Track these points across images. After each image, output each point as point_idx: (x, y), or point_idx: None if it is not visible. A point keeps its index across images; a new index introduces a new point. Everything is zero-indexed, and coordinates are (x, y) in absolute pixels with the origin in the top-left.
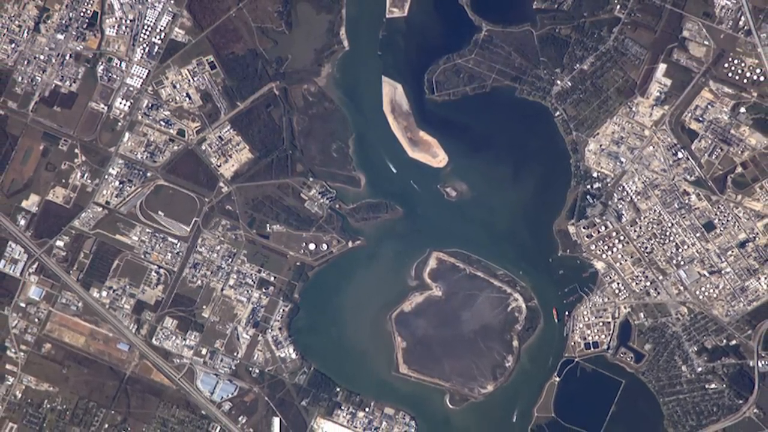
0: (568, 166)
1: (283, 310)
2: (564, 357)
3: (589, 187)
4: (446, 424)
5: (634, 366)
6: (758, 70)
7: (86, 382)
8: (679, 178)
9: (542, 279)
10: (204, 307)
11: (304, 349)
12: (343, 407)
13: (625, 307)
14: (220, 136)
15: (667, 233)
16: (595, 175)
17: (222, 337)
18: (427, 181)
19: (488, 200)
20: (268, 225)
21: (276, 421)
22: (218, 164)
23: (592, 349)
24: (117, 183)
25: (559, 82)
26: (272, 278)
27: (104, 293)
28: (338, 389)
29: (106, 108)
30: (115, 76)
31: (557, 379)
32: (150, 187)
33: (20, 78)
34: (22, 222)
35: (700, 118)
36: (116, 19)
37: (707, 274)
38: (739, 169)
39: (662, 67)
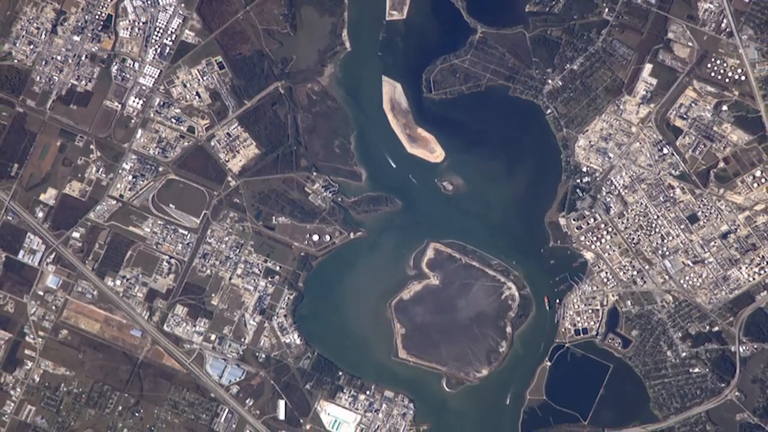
0: (558, 161)
1: (288, 298)
2: (555, 343)
3: (578, 181)
4: (443, 407)
5: (622, 351)
6: (739, 70)
7: (101, 367)
8: (665, 173)
9: (534, 268)
10: (213, 295)
11: (308, 335)
12: (345, 390)
13: (613, 295)
14: (228, 133)
15: (653, 225)
16: (584, 169)
17: (230, 324)
18: (425, 176)
19: (483, 194)
20: (273, 217)
21: (281, 403)
22: (226, 159)
23: (581, 335)
24: (130, 177)
25: (550, 81)
26: (278, 268)
27: (118, 282)
28: (340, 373)
29: (120, 106)
30: (128, 76)
31: (548, 363)
32: (162, 181)
33: (38, 77)
34: (40, 214)
35: (684, 116)
36: (129, 21)
37: (691, 264)
38: (722, 164)
39: (648, 67)
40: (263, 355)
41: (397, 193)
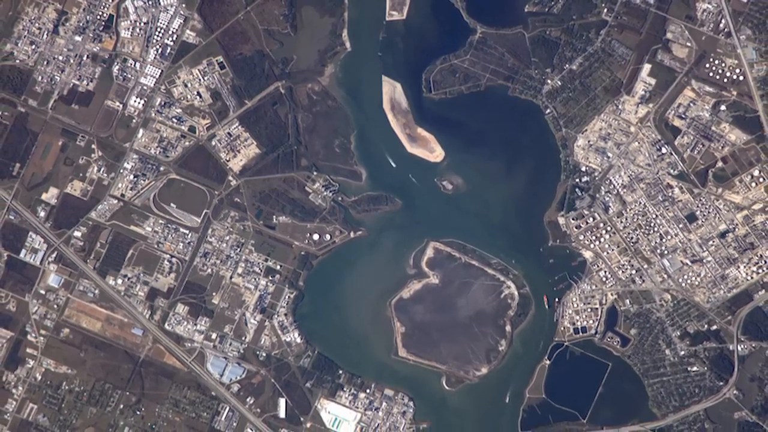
0: (558, 160)
1: (289, 296)
2: (554, 341)
3: (577, 180)
4: (443, 405)
5: (621, 350)
6: (737, 70)
7: (102, 365)
8: (663, 172)
9: (534, 267)
10: (214, 294)
11: (309, 333)
12: (345, 389)
13: (611, 294)
14: (229, 133)
15: (652, 224)
16: (583, 169)
17: (231, 323)
18: (424, 175)
19: (483, 193)
20: (274, 216)
21: (282, 401)
22: (227, 159)
23: (580, 333)
24: (132, 177)
25: (549, 81)
26: (278, 267)
27: (119, 281)
28: (341, 372)
29: (121, 106)
30: (129, 76)
31: (548, 362)
32: (163, 181)
33: (40, 77)
34: (42, 213)
35: (683, 116)
36: (131, 21)
37: (689, 263)
38: (720, 164)
39: (647, 67)
40: (264, 354)
41: (397, 192)
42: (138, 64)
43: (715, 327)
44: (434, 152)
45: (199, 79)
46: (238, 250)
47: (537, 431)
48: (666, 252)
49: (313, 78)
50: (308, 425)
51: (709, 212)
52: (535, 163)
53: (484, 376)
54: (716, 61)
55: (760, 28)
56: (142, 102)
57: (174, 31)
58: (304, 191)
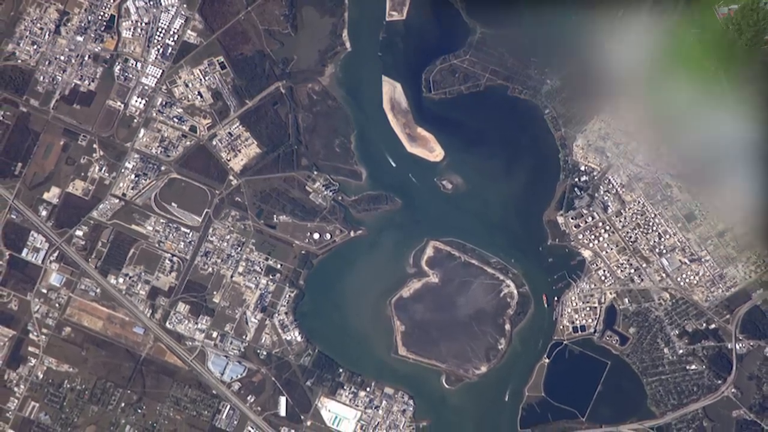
0: (557, 160)
1: (289, 295)
2: (553, 340)
3: (577, 180)
4: (442, 403)
5: (619, 348)
6: None
7: (104, 364)
8: (662, 172)
9: (533, 266)
10: (215, 292)
11: (309, 332)
12: (345, 387)
13: (610, 293)
14: (229, 132)
15: (651, 223)
16: (582, 168)
17: (231, 321)
18: (424, 175)
19: (482, 192)
20: (274, 216)
21: (282, 400)
22: (228, 158)
23: (579, 332)
24: (133, 176)
25: (548, 81)
26: (279, 266)
27: (121, 280)
28: (341, 370)
29: (122, 106)
30: (131, 76)
31: (547, 360)
32: (164, 180)
33: (42, 77)
34: (44, 213)
35: None
36: (132, 22)
37: (688, 262)
38: None
39: None
40: (264, 353)
41: (397, 191)
42: (139, 64)
43: (713, 326)
44: (434, 152)
45: (200, 79)
46: (239, 249)
47: (536, 429)
48: (665, 251)
49: (314, 78)
50: (308, 423)
51: (707, 211)
52: (534, 163)
53: (484, 374)
54: None
55: None
56: (144, 102)
57: (175, 31)
58: (305, 191)
